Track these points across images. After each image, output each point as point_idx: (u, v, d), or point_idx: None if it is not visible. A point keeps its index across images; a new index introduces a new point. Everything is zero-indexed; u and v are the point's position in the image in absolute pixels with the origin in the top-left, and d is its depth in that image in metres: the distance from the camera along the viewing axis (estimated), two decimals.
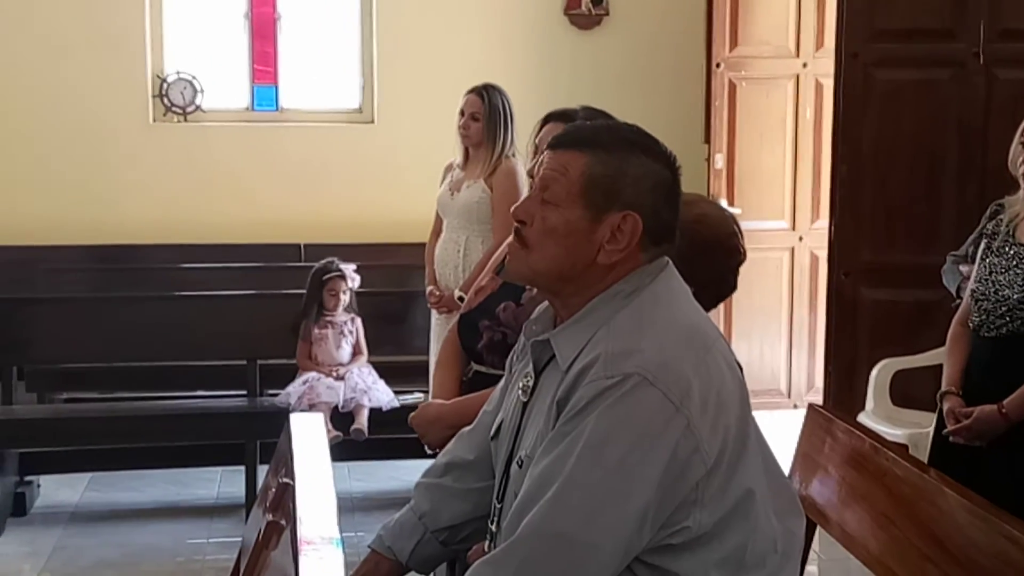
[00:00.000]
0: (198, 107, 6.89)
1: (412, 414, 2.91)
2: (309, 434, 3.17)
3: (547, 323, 1.91)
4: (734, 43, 6.50)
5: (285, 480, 2.86)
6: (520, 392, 1.93)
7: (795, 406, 6.53)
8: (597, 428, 1.70)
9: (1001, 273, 3.20)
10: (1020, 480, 3.12)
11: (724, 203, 6.58)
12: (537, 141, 2.85)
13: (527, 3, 7.04)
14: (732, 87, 6.54)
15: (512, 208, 1.89)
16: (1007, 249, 3.23)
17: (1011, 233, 3.26)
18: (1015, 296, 3.14)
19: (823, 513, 3.19)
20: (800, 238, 6.67)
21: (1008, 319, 3.16)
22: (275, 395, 5.11)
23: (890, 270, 5.20)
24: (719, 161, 6.54)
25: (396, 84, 6.95)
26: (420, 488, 2.15)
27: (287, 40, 7.02)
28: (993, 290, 3.20)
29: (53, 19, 6.68)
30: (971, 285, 3.31)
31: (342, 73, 7.08)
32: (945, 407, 3.28)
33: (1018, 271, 3.16)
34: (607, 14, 7.07)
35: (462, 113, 4.94)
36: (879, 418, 4.92)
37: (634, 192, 1.82)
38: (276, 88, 7.04)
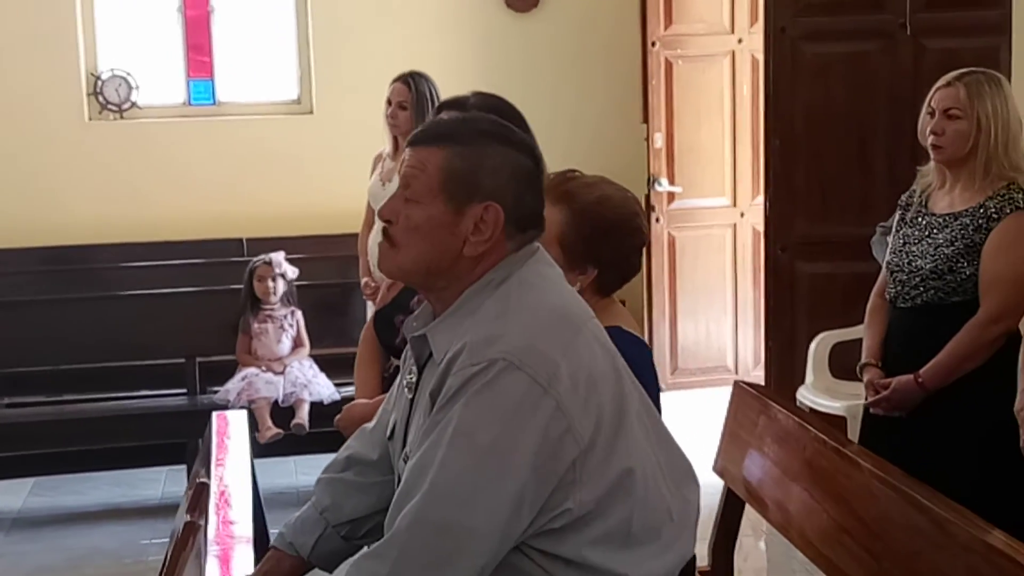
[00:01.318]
0: (134, 104, 6.83)
1: (337, 416, 2.92)
2: (229, 433, 3.17)
3: (427, 319, 1.93)
4: (669, 21, 6.51)
5: (203, 480, 2.85)
6: (406, 389, 1.96)
7: None
8: (466, 415, 1.72)
9: (914, 244, 3.22)
10: (939, 449, 3.15)
11: (665, 182, 6.61)
12: None
13: None
14: (668, 65, 6.55)
15: (379, 208, 1.91)
16: (920, 220, 3.25)
17: (924, 204, 3.27)
18: (927, 266, 3.16)
19: (752, 491, 3.21)
20: (742, 214, 6.69)
21: (922, 289, 3.18)
22: (217, 392, 5.09)
23: (826, 243, 5.22)
24: (658, 140, 6.54)
25: (334, 73, 6.92)
26: (321, 483, 2.15)
27: (222, 33, 6.97)
28: (907, 261, 3.22)
29: None
30: (887, 256, 3.32)
31: (279, 64, 7.03)
32: (864, 379, 3.30)
33: (930, 241, 3.18)
34: None
35: (389, 102, 4.92)
36: (818, 391, 4.95)
37: (493, 182, 1.84)
38: (212, 82, 6.98)
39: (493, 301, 1.81)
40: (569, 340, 1.78)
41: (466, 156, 1.84)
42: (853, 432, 4.19)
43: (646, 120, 6.57)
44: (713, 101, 6.63)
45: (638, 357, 2.30)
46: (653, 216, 6.62)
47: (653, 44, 6.49)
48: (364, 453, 2.13)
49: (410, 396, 1.93)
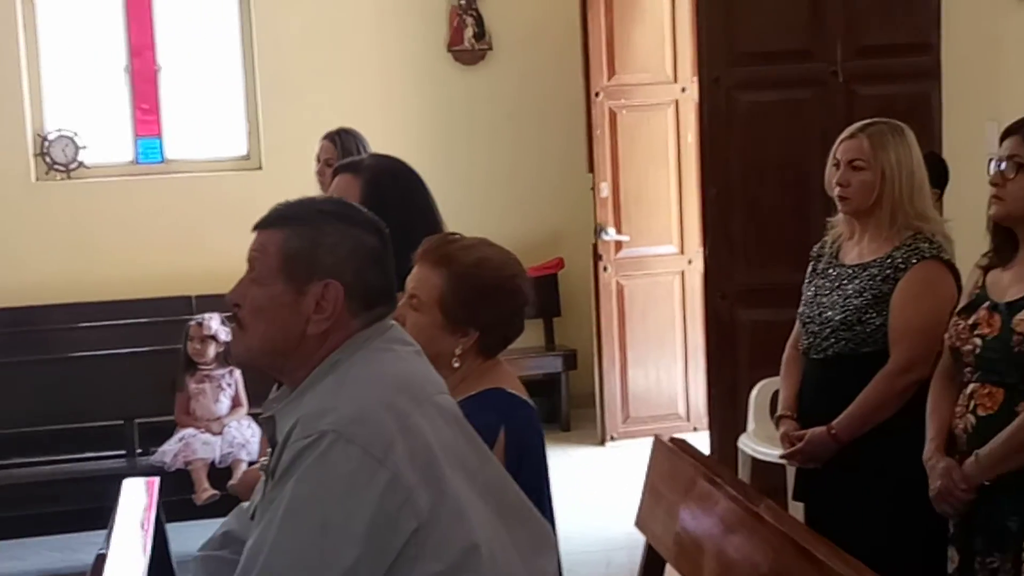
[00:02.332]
0: (81, 163, 6.83)
1: (230, 482, 2.90)
2: (134, 502, 3.13)
3: (285, 399, 1.92)
4: (612, 72, 6.55)
5: (102, 551, 2.81)
6: (262, 472, 1.94)
7: (695, 429, 6.54)
8: (297, 491, 1.71)
9: (825, 295, 3.23)
10: (854, 499, 3.14)
11: (612, 231, 6.62)
12: (329, 195, 2.85)
13: (410, 42, 7.06)
14: (613, 115, 6.58)
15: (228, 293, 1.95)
16: (830, 271, 3.26)
17: (835, 255, 3.28)
18: (838, 317, 3.16)
19: (670, 548, 3.19)
20: (689, 261, 6.70)
21: (833, 340, 3.18)
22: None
23: (765, 290, 5.21)
24: (604, 189, 6.56)
25: (282, 128, 6.93)
26: (198, 561, 2.14)
27: (169, 91, 6.98)
28: (818, 312, 3.23)
29: None
30: (800, 308, 3.33)
31: (227, 120, 7.05)
32: (780, 431, 3.30)
33: (840, 292, 3.19)
34: (490, 48, 7.10)
35: (318, 159, 4.93)
36: (760, 439, 4.93)
37: (332, 260, 1.85)
38: (160, 140, 6.99)
39: (333, 377, 1.82)
40: (408, 412, 1.78)
41: (304, 235, 1.86)
42: (792, 481, 4.18)
43: (592, 170, 6.59)
44: (658, 149, 6.67)
45: (522, 419, 2.29)
46: (601, 265, 6.63)
47: (597, 94, 6.53)
48: (239, 531, 2.12)
49: (264, 479, 1.92)
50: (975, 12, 4.78)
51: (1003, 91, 4.60)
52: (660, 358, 6.74)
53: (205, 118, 7.04)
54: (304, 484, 1.70)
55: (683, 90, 6.61)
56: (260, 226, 1.91)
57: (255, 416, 5.13)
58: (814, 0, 5.07)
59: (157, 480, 3.30)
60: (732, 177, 5.22)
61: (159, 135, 6.99)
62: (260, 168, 6.99)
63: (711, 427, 5.41)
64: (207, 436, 4.95)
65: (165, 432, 5.19)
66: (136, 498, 3.14)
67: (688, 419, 6.74)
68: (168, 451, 4.93)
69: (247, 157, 7.06)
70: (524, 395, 2.38)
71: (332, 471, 1.70)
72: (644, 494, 3.35)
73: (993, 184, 2.72)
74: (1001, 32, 4.60)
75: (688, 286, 6.72)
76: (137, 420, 5.26)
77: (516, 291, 2.38)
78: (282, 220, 1.89)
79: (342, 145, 4.90)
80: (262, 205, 6.50)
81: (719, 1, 5.11)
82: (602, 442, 6.71)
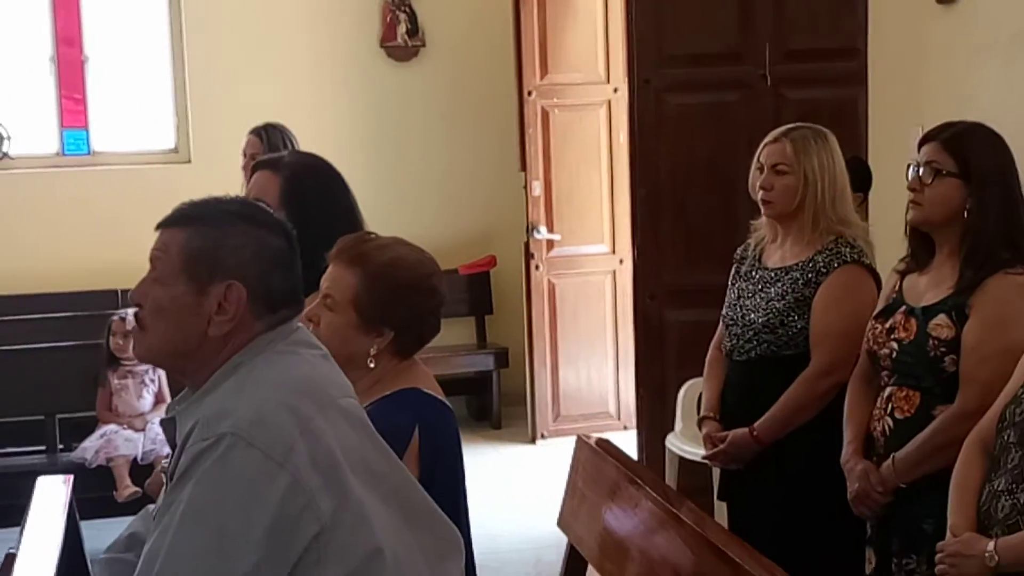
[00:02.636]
0: (5, 154, 6.70)
1: (149, 480, 2.86)
2: (48, 500, 3.06)
3: (186, 401, 1.89)
4: (544, 71, 6.55)
5: (12, 551, 2.76)
6: (163, 475, 1.91)
7: (625, 427, 6.57)
8: (195, 494, 1.69)
9: (748, 297, 3.25)
10: (775, 501, 3.16)
11: (544, 230, 6.62)
12: (248, 191, 2.81)
13: (342, 37, 7.00)
14: (545, 114, 6.59)
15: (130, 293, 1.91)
16: (753, 273, 3.28)
17: (758, 257, 3.31)
18: (760, 320, 3.18)
19: (592, 549, 3.19)
20: (621, 261, 6.72)
21: (756, 343, 3.20)
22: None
23: (693, 291, 5.24)
24: (536, 188, 6.57)
25: (211, 121, 6.84)
26: (101, 563, 2.11)
27: (96, 82, 6.87)
28: (741, 314, 3.25)
29: None
30: (723, 310, 3.35)
31: (155, 113, 6.95)
32: (703, 432, 3.31)
33: (763, 295, 3.21)
34: (423, 45, 7.07)
35: (244, 154, 4.87)
36: (687, 438, 4.96)
37: (235, 261, 1.83)
38: (87, 131, 6.88)
39: (234, 379, 1.80)
40: (310, 416, 1.76)
41: (207, 235, 1.84)
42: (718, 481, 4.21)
43: (524, 168, 6.59)
44: (590, 149, 6.68)
45: (437, 419, 2.28)
46: (533, 264, 6.63)
47: (529, 93, 6.53)
48: (145, 533, 2.07)
49: (168, 481, 1.89)
50: (901, 18, 4.84)
51: (928, 97, 4.66)
52: (591, 357, 6.75)
53: (133, 110, 6.94)
54: (202, 487, 1.68)
55: (615, 91, 6.62)
56: (163, 225, 1.89)
57: None
58: (743, 4, 5.10)
59: (71, 478, 3.24)
60: (661, 178, 5.23)
61: (86, 127, 6.87)
62: (189, 162, 6.91)
63: (639, 426, 5.43)
64: (129, 433, 4.88)
65: (87, 428, 5.11)
66: (50, 496, 3.08)
67: (619, 418, 6.76)
68: (90, 447, 4.86)
69: (175, 150, 6.97)
70: (440, 395, 2.37)
71: (231, 474, 1.68)
72: (566, 494, 3.34)
73: (911, 189, 2.75)
74: (926, 39, 4.66)
75: (619, 285, 6.74)
76: (59, 416, 5.17)
77: (431, 290, 2.37)
78: (185, 220, 1.87)
79: (268, 140, 4.85)
80: (190, 198, 6.41)
81: (649, 4, 5.12)
82: (533, 440, 6.71)
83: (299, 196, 2.64)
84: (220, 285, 1.82)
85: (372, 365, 2.31)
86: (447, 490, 2.28)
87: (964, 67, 4.42)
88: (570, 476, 3.35)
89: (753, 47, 5.14)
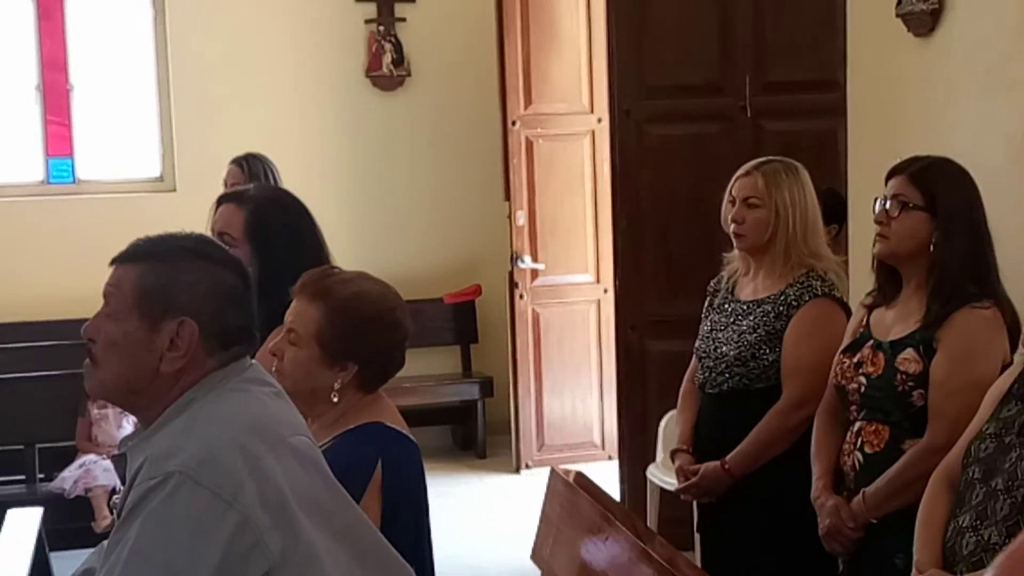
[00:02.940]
0: None
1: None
2: (18, 532, 3.06)
3: (138, 437, 1.89)
4: (528, 101, 6.57)
5: None
6: (112, 510, 1.91)
7: (609, 457, 6.56)
8: (143, 533, 1.69)
9: (721, 330, 3.26)
10: (748, 534, 3.16)
11: (528, 259, 6.63)
12: (212, 225, 2.82)
13: (328, 67, 7.03)
14: (529, 144, 6.60)
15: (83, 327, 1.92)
16: (726, 306, 3.29)
17: (731, 290, 3.31)
18: (732, 353, 3.19)
19: None
20: (605, 290, 6.72)
21: (728, 375, 3.20)
22: None
23: (674, 322, 5.23)
24: (520, 218, 6.58)
25: (197, 150, 6.85)
26: None
27: (82, 110, 6.88)
28: (713, 347, 3.25)
29: None
30: (696, 342, 3.35)
31: (141, 141, 6.96)
32: (675, 465, 3.31)
33: (735, 328, 3.22)
34: (409, 75, 7.10)
35: (226, 184, 4.88)
36: (668, 470, 4.93)
37: (188, 298, 1.84)
38: (72, 160, 6.89)
39: (185, 417, 1.80)
40: (260, 455, 1.76)
41: (160, 272, 1.85)
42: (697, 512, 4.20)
43: (508, 198, 6.60)
44: (575, 179, 6.70)
45: (401, 453, 2.28)
46: (517, 293, 6.63)
47: (513, 123, 6.55)
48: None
49: (114, 517, 1.89)
50: (879, 51, 4.86)
51: (905, 129, 4.67)
52: (576, 386, 6.75)
53: (118, 138, 6.95)
54: (149, 526, 1.68)
55: (599, 120, 6.64)
56: (118, 260, 1.89)
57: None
58: (724, 36, 5.13)
59: (42, 510, 3.24)
60: (643, 209, 5.25)
61: (71, 155, 6.88)
62: (174, 190, 6.91)
63: (621, 457, 5.43)
64: (108, 463, 4.86)
65: (67, 458, 5.10)
66: (21, 528, 3.08)
67: (603, 447, 6.75)
68: (68, 477, 4.84)
69: (161, 179, 6.98)
70: (405, 430, 2.36)
71: (178, 513, 1.68)
72: (540, 528, 3.34)
73: (878, 223, 2.76)
74: (903, 71, 4.67)
75: (604, 315, 6.74)
76: (39, 445, 5.16)
77: (395, 324, 2.37)
78: (140, 255, 1.87)
79: (249, 170, 4.86)
80: (175, 227, 6.42)
81: (631, 35, 5.15)
82: (517, 470, 6.70)
83: (263, 230, 2.65)
84: (173, 321, 1.83)
85: (336, 399, 2.31)
86: (410, 524, 2.28)
87: (941, 100, 4.44)
88: (544, 509, 3.35)
89: (733, 79, 5.17)
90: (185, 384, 1.83)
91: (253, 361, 1.90)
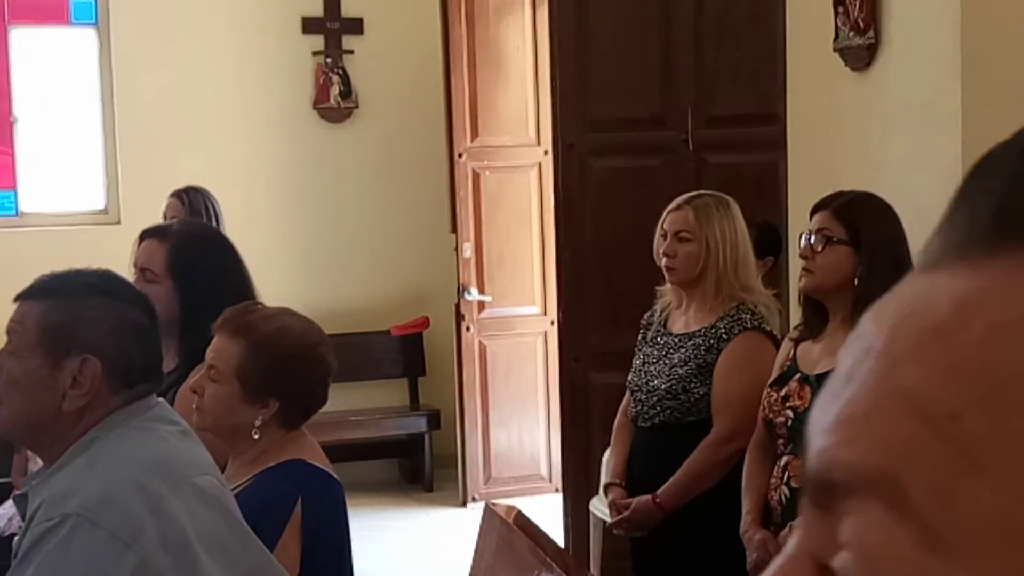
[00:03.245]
0: None
1: None
2: None
3: (40, 476, 1.87)
4: (475, 133, 6.59)
5: None
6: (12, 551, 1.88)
7: (556, 490, 6.53)
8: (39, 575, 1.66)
9: (653, 363, 3.27)
10: (678, 569, 3.16)
11: (474, 291, 6.62)
12: (135, 260, 2.80)
13: (276, 99, 7.02)
14: (476, 176, 6.62)
15: None
16: (658, 339, 3.30)
17: (663, 323, 3.32)
18: (663, 386, 3.20)
19: None
20: (552, 322, 6.70)
21: (659, 409, 3.21)
22: None
23: (618, 354, 5.20)
24: (467, 250, 6.58)
25: (142, 182, 6.80)
26: None
27: (25, 142, 6.83)
28: (645, 380, 3.26)
29: None
30: (628, 376, 3.36)
31: (85, 174, 6.91)
32: (608, 499, 3.30)
33: (667, 361, 3.23)
34: (356, 107, 7.10)
35: (165, 216, 4.85)
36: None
37: (92, 335, 1.84)
38: (15, 192, 6.82)
39: (86, 456, 1.78)
40: (162, 495, 1.74)
41: (64, 309, 1.84)
42: None
43: (455, 230, 6.60)
44: (522, 211, 6.71)
45: (321, 490, 2.27)
46: (464, 325, 6.63)
47: (460, 155, 6.56)
48: None
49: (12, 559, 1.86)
50: (816, 85, 4.91)
51: (843, 163, 4.72)
52: (523, 419, 6.74)
53: (62, 171, 6.89)
54: (45, 570, 1.66)
55: (546, 153, 6.65)
56: (22, 297, 1.88)
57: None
58: (665, 68, 5.17)
59: None
60: (586, 242, 5.27)
61: (14, 187, 6.82)
62: (119, 223, 6.86)
63: (564, 489, 5.42)
64: None
65: (2, 495, 5.02)
66: None
67: (550, 480, 6.74)
68: (3, 515, 4.75)
69: (105, 211, 6.93)
70: (328, 467, 2.35)
71: (74, 556, 1.66)
72: (473, 565, 3.32)
73: (803, 257, 2.78)
74: (840, 105, 4.72)
75: (551, 347, 6.73)
76: None
77: (318, 360, 2.35)
78: (44, 292, 1.87)
79: (190, 203, 4.83)
80: (119, 260, 6.37)
81: (573, 68, 5.18)
82: (464, 503, 6.67)
83: (186, 266, 2.63)
84: (76, 359, 1.81)
85: (257, 436, 2.29)
86: (330, 563, 2.26)
87: (878, 134, 4.49)
88: (477, 545, 3.33)
89: (675, 112, 5.20)
90: (88, 423, 1.82)
91: (160, 399, 1.89)
